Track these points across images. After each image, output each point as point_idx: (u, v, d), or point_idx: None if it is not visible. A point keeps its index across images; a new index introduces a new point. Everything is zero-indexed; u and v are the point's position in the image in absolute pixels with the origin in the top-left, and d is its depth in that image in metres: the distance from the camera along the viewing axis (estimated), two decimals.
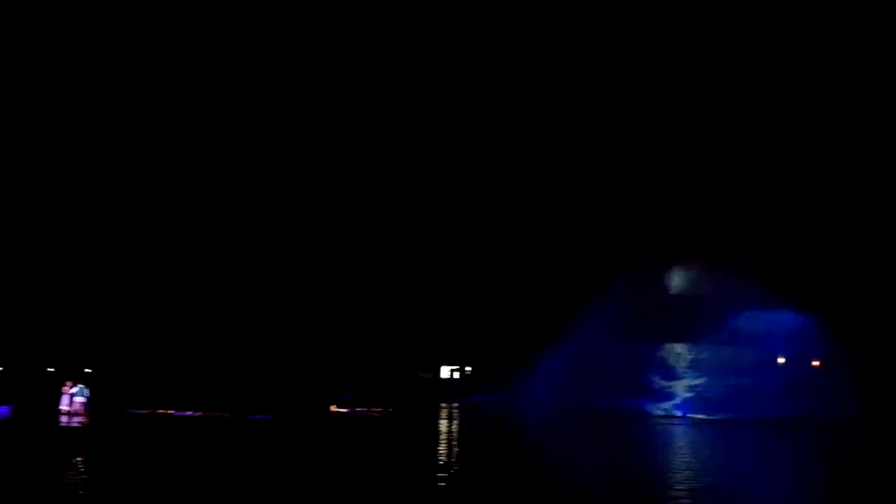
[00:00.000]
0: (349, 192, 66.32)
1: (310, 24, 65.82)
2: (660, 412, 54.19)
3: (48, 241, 59.61)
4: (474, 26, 67.43)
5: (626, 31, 66.68)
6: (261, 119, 65.43)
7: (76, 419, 34.58)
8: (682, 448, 33.65)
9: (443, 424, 43.98)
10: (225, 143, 64.78)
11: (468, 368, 69.94)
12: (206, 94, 64.34)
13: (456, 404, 58.98)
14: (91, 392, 38.57)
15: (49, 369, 50.46)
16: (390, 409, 47.18)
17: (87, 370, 49.26)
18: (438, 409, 54.55)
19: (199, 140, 63.80)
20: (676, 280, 60.39)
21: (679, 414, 54.05)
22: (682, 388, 56.33)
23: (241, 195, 64.11)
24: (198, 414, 39.76)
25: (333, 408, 44.95)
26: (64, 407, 36.10)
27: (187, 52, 64.11)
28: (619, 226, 64.30)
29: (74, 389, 37.44)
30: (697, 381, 55.93)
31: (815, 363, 57.38)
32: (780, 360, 57.93)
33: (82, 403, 36.85)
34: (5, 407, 36.47)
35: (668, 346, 58.05)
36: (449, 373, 70.51)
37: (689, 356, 57.71)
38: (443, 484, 21.70)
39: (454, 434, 38.43)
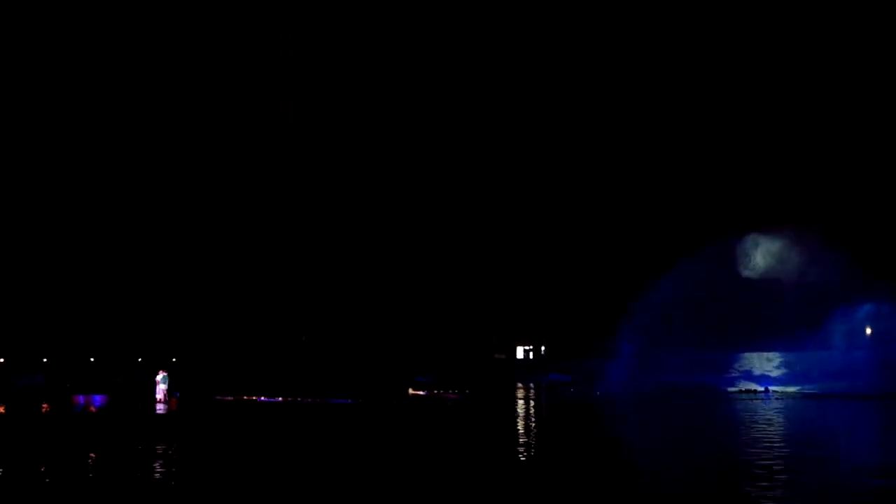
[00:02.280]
0: (418, 181, 68.66)
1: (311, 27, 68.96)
2: (741, 387, 53.73)
3: (140, 240, 63.15)
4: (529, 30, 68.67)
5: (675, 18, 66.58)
6: (331, 130, 68.45)
7: (161, 406, 37.64)
8: (776, 425, 34.33)
9: (520, 405, 45.20)
10: (297, 156, 68.16)
11: (543, 348, 71.33)
12: (275, 103, 67.76)
13: (532, 384, 60.07)
14: (177, 380, 41.70)
15: (138, 359, 53.96)
16: (466, 391, 48.92)
17: (173, 360, 52.56)
18: (514, 389, 55.47)
19: (274, 153, 67.42)
20: (757, 263, 55.75)
21: (762, 388, 53.57)
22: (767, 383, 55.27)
23: (316, 194, 67.32)
24: (281, 399, 42.20)
25: (412, 390, 46.99)
26: (158, 395, 39.33)
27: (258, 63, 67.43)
28: (696, 200, 64.20)
29: (160, 377, 40.64)
30: (786, 387, 53.43)
31: None
32: (868, 331, 55.82)
33: (164, 391, 40.00)
34: (101, 396, 40.16)
35: (749, 356, 55.15)
36: (524, 353, 71.63)
37: (776, 364, 54.57)
38: (523, 459, 23.09)
39: (533, 415, 39.54)
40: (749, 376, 55.70)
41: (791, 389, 52.01)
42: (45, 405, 36.91)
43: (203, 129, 66.49)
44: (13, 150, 62.27)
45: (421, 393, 46.86)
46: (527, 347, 71.84)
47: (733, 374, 55.47)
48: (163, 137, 65.69)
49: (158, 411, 36.09)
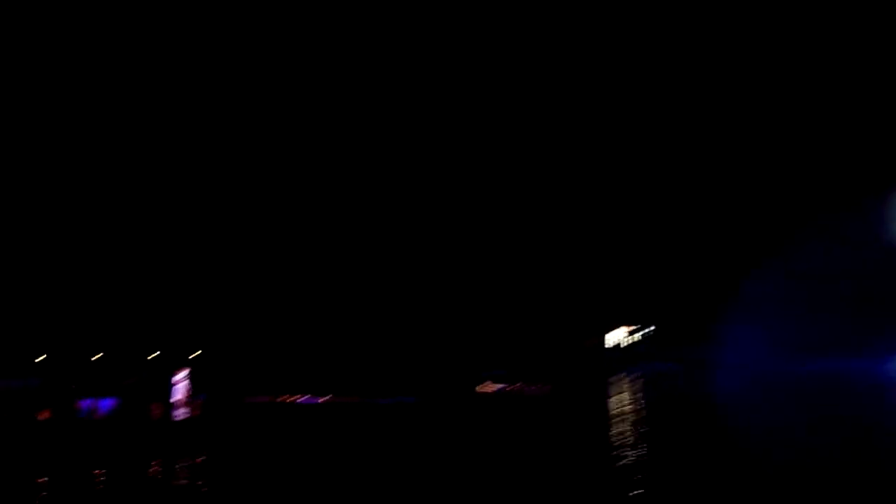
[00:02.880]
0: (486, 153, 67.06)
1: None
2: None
3: (153, 218, 62.74)
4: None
5: None
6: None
7: (181, 411, 35.13)
8: None
9: (615, 401, 41.09)
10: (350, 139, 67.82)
11: (643, 333, 67.48)
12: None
13: (629, 375, 56.81)
14: (200, 378, 38.46)
15: (153, 356, 51.78)
16: (549, 386, 46.22)
17: (194, 354, 50.20)
18: (608, 381, 52.80)
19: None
20: None
21: None
22: None
23: (368, 167, 66.83)
24: (324, 400, 40.10)
25: (482, 387, 44.44)
26: (176, 398, 35.91)
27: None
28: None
29: (179, 376, 37.29)
30: None
31: None
32: None
33: (185, 392, 36.72)
34: (109, 399, 36.46)
35: None
36: (621, 337, 68.50)
37: None
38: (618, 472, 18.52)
39: (630, 415, 34.83)
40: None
41: None
42: (44, 412, 34.01)
43: (214, 119, 66.24)
44: (13, 143, 62.47)
45: (492, 389, 44.11)
46: (624, 332, 68.16)
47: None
48: (167, 128, 65.84)
49: (178, 417, 34.11)
